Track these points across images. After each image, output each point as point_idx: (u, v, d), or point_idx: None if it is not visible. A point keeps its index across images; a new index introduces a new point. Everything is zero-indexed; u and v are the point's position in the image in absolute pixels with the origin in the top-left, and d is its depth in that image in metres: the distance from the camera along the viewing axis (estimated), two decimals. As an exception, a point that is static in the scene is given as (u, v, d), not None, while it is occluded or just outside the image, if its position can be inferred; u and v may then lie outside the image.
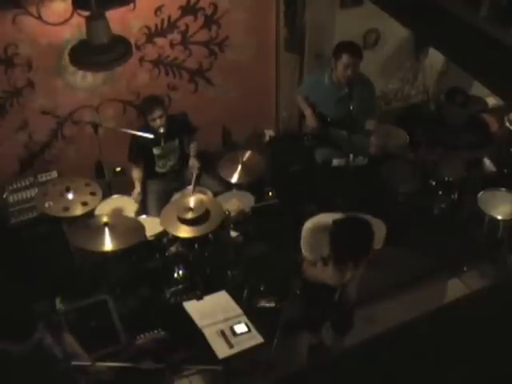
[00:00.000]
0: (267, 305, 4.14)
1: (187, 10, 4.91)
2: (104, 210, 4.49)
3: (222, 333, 3.47)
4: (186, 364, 3.69)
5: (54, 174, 4.87)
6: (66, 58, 4.13)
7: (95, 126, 4.45)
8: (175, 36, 4.99)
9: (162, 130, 4.56)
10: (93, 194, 4.34)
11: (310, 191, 4.79)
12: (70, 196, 4.28)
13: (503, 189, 4.82)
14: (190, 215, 4.14)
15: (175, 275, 4.25)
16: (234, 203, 4.61)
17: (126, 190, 4.73)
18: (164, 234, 4.30)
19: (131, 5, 4.54)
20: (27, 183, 4.80)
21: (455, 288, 4.64)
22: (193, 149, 4.87)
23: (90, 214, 4.31)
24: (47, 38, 4.54)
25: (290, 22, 5.27)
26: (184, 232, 4.11)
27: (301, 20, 5.24)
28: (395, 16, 3.21)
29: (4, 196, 4.72)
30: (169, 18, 4.87)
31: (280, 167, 5.34)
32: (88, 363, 3.12)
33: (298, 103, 4.99)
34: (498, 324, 1.83)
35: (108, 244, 3.98)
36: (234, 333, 3.48)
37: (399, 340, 1.82)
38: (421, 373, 1.73)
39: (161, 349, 3.59)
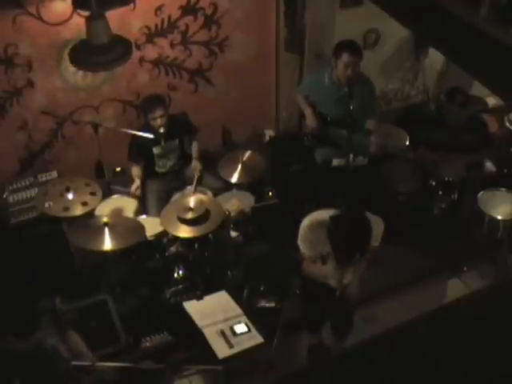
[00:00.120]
0: (267, 305, 4.14)
1: (187, 10, 4.91)
2: (104, 210, 4.49)
3: (222, 333, 3.47)
4: (186, 364, 3.69)
5: (54, 174, 4.87)
6: (66, 58, 4.13)
7: (95, 126, 4.45)
8: (175, 36, 4.99)
9: (162, 130, 4.56)
10: (93, 194, 4.34)
11: (309, 191, 4.79)
12: (70, 196, 4.28)
13: (503, 189, 4.82)
14: (190, 215, 4.14)
15: (175, 275, 4.25)
16: (234, 203, 4.61)
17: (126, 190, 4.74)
18: (164, 234, 4.30)
19: (131, 5, 4.54)
20: (27, 183, 4.80)
21: (455, 288, 4.64)
22: (194, 150, 4.87)
23: (90, 214, 4.31)
24: (47, 38, 4.54)
25: (290, 21, 5.27)
26: (184, 232, 4.11)
27: (301, 20, 5.24)
28: (395, 16, 3.21)
29: (4, 196, 4.72)
30: (169, 18, 4.88)
31: (280, 167, 5.34)
32: (88, 363, 3.12)
33: (298, 103, 4.99)
34: (498, 324, 1.83)
35: (108, 244, 3.98)
36: (234, 333, 3.48)
37: (399, 340, 1.82)
38: (421, 373, 1.73)
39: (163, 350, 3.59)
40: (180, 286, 4.19)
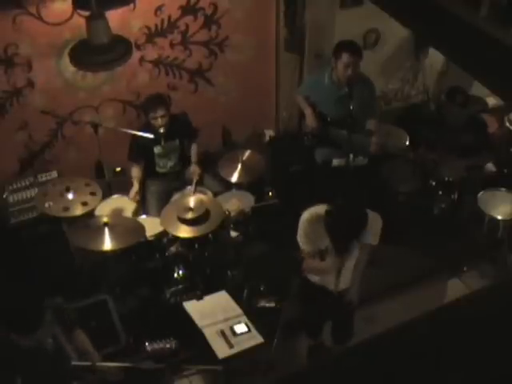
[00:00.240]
0: (267, 305, 4.14)
1: (187, 10, 4.91)
2: (104, 210, 4.49)
3: (222, 333, 3.47)
4: (186, 364, 3.69)
5: (54, 174, 4.87)
6: (66, 58, 4.13)
7: (95, 126, 4.44)
8: (175, 36, 4.99)
9: (162, 130, 4.55)
10: (93, 194, 4.34)
11: (310, 191, 4.79)
12: (70, 196, 4.28)
13: (503, 189, 4.82)
14: (190, 215, 4.14)
15: (175, 275, 4.25)
16: (234, 203, 4.61)
17: (126, 190, 4.73)
18: (164, 234, 4.29)
19: (131, 5, 4.54)
20: (27, 183, 4.80)
21: (455, 288, 4.64)
22: (193, 154, 4.85)
23: (90, 214, 4.31)
24: (47, 37, 4.54)
25: (290, 21, 5.27)
26: (184, 232, 4.11)
27: (301, 20, 5.24)
28: (395, 16, 3.21)
29: (4, 196, 4.72)
30: (169, 18, 4.88)
31: (280, 167, 5.34)
32: (87, 363, 3.12)
33: (298, 103, 4.98)
34: (498, 324, 1.83)
35: (108, 244, 3.98)
36: (234, 333, 3.48)
37: (399, 340, 1.82)
38: (421, 373, 1.73)
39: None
40: (180, 286, 4.19)
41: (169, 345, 3.33)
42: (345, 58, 4.49)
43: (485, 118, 5.85)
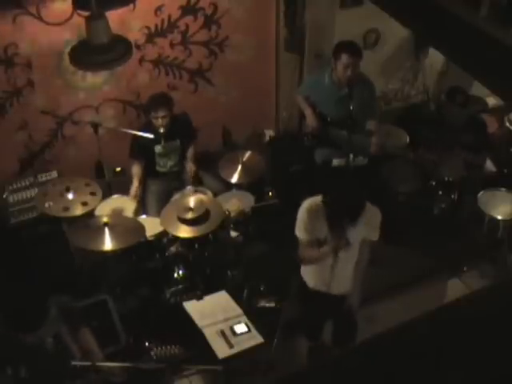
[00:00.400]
0: (267, 305, 4.14)
1: (187, 10, 4.91)
2: (104, 210, 4.49)
3: (222, 333, 3.48)
4: (186, 364, 3.69)
5: (54, 174, 4.87)
6: (66, 57, 4.14)
7: (95, 126, 4.45)
8: (175, 36, 4.99)
9: (162, 130, 4.55)
10: (93, 194, 4.34)
11: (310, 191, 4.79)
12: (70, 196, 4.29)
13: (503, 189, 4.82)
14: (190, 215, 4.14)
15: (175, 275, 4.25)
16: (234, 203, 4.61)
17: (126, 189, 4.73)
18: (164, 234, 4.29)
19: (131, 5, 4.54)
20: (27, 183, 4.80)
21: (455, 288, 4.64)
22: (190, 152, 4.86)
23: (90, 214, 4.31)
24: (47, 38, 4.54)
25: (290, 21, 5.27)
26: (184, 232, 4.11)
27: (301, 20, 5.24)
28: (395, 16, 3.20)
29: (4, 196, 4.72)
30: (169, 17, 4.88)
31: (280, 167, 5.34)
32: (87, 363, 3.12)
33: (298, 103, 4.98)
34: (498, 324, 1.83)
35: (108, 244, 3.98)
36: (234, 333, 3.48)
37: (399, 340, 1.82)
38: (421, 373, 1.73)
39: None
40: (180, 286, 4.19)
41: (173, 351, 3.32)
42: (344, 58, 4.49)
43: (485, 118, 5.85)
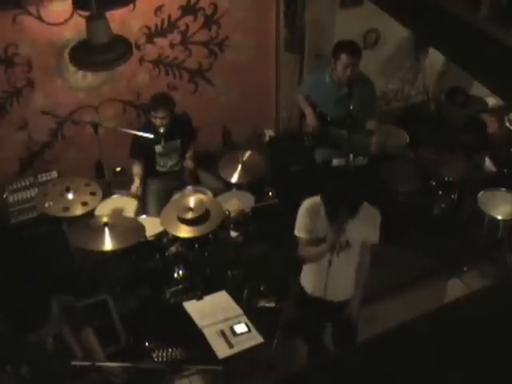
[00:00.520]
0: (267, 305, 4.14)
1: (187, 10, 4.91)
2: (104, 210, 4.49)
3: (222, 333, 3.47)
4: (186, 364, 3.69)
5: (54, 174, 4.87)
6: (66, 57, 4.14)
7: (95, 126, 4.45)
8: (175, 36, 5.00)
9: (162, 130, 4.56)
10: (93, 194, 4.34)
11: (309, 191, 4.79)
12: (70, 196, 4.29)
13: (503, 189, 4.82)
14: (190, 215, 4.14)
15: (175, 275, 4.25)
16: (234, 203, 4.61)
17: (126, 190, 4.73)
18: (164, 234, 4.30)
19: (131, 5, 4.54)
20: (27, 183, 4.80)
21: (455, 288, 4.64)
22: (189, 152, 4.86)
23: (90, 214, 4.31)
24: (47, 37, 4.54)
25: (290, 21, 5.27)
26: (184, 232, 4.11)
27: (301, 20, 5.24)
28: (395, 16, 3.20)
29: (4, 196, 4.72)
30: (169, 17, 4.88)
31: (280, 167, 5.34)
32: (87, 363, 3.12)
33: (298, 102, 4.98)
34: (498, 324, 1.83)
35: (108, 244, 3.98)
36: (234, 333, 3.48)
37: (399, 340, 1.82)
38: (421, 373, 1.73)
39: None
40: (180, 286, 4.19)
41: (174, 354, 3.32)
42: (343, 58, 4.48)
43: (485, 118, 5.85)
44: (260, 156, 4.89)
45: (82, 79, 4.87)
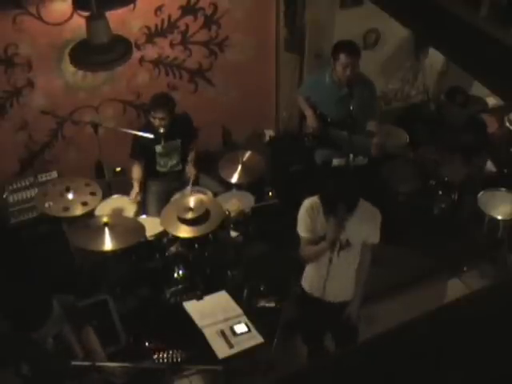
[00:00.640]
0: (267, 305, 4.14)
1: (187, 9, 4.91)
2: (104, 210, 4.49)
3: (222, 333, 3.47)
4: (186, 364, 3.69)
5: (54, 174, 4.87)
6: (66, 58, 4.14)
7: (95, 126, 4.44)
8: (175, 36, 5.00)
9: (162, 131, 4.55)
10: (93, 194, 4.34)
11: (310, 191, 4.79)
12: (70, 196, 4.29)
13: (503, 189, 4.82)
14: (190, 215, 4.14)
15: (175, 275, 4.25)
16: (234, 203, 4.61)
17: (126, 189, 4.73)
18: (164, 234, 4.30)
19: (131, 5, 4.54)
20: (27, 183, 4.80)
21: (455, 288, 4.64)
22: (190, 154, 4.86)
23: (90, 214, 4.31)
24: (47, 37, 4.54)
25: (290, 22, 5.27)
26: (184, 232, 4.11)
27: (301, 20, 5.24)
28: (395, 16, 3.20)
29: (4, 196, 4.72)
30: (169, 17, 4.88)
31: (280, 167, 5.34)
32: (87, 363, 3.12)
33: (298, 104, 4.98)
34: (498, 324, 1.83)
35: (108, 244, 3.98)
36: (234, 333, 3.48)
37: (399, 340, 1.82)
38: (421, 373, 1.73)
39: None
40: (180, 286, 4.19)
41: (174, 354, 3.32)
42: (342, 58, 4.48)
43: (485, 118, 5.85)
44: (260, 156, 4.88)
45: (82, 79, 4.87)
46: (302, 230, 3.42)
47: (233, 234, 4.45)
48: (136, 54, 4.79)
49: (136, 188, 4.66)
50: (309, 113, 4.77)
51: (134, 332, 4.00)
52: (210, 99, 5.45)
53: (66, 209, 4.21)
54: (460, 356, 1.76)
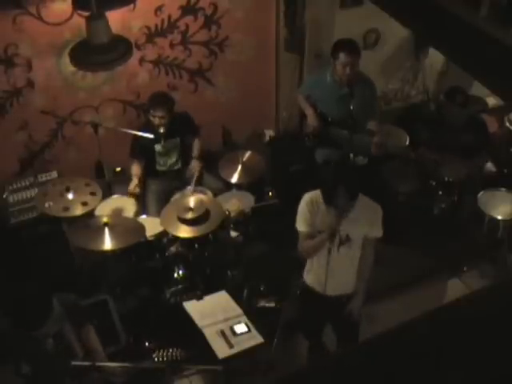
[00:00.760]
0: (267, 305, 4.14)
1: (187, 9, 4.91)
2: (104, 210, 4.49)
3: (222, 333, 3.47)
4: (186, 364, 3.69)
5: (54, 174, 4.87)
6: (66, 58, 4.14)
7: (95, 126, 4.45)
8: (175, 36, 5.00)
9: (161, 130, 4.56)
10: (93, 194, 4.34)
11: (310, 191, 4.79)
12: (70, 196, 4.29)
13: (503, 189, 4.82)
14: (190, 215, 4.14)
15: (175, 275, 4.25)
16: (234, 203, 4.61)
17: (126, 190, 4.73)
18: (164, 234, 4.30)
19: (131, 5, 4.54)
20: (27, 183, 4.80)
21: (455, 288, 4.64)
22: (195, 149, 4.85)
23: (90, 214, 4.31)
24: (47, 37, 4.54)
25: (290, 21, 5.27)
26: (184, 232, 4.11)
27: (301, 20, 5.24)
28: (395, 16, 3.20)
29: (4, 196, 4.72)
30: (169, 17, 4.88)
31: (280, 167, 5.34)
32: (87, 363, 3.12)
33: (299, 103, 4.97)
34: (498, 324, 1.83)
35: (108, 244, 3.98)
36: (234, 333, 3.48)
37: (399, 340, 1.82)
38: (421, 373, 1.73)
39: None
40: (180, 286, 4.19)
41: (174, 354, 3.32)
42: (342, 57, 4.47)
43: (485, 118, 5.84)
44: (260, 156, 4.89)
45: (82, 79, 4.87)
46: (301, 223, 3.41)
47: (233, 234, 4.45)
48: (136, 54, 4.79)
49: (135, 180, 4.66)
50: (309, 112, 4.76)
51: (134, 332, 4.01)
52: (210, 99, 5.45)
53: (66, 209, 4.21)
54: (460, 356, 1.76)
